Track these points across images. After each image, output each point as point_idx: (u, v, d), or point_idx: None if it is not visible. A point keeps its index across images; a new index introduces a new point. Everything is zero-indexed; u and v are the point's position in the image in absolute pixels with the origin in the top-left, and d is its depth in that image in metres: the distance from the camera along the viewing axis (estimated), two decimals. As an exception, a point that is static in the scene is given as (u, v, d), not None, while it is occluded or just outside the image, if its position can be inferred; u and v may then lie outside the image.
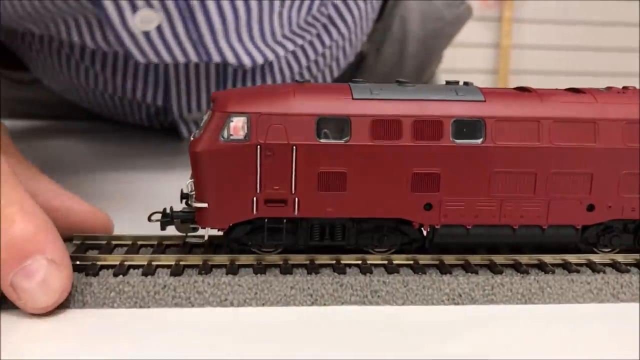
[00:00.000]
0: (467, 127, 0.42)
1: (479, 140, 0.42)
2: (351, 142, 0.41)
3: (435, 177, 0.42)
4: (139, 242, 0.47)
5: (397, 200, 0.42)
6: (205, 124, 0.42)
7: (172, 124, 0.86)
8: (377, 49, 0.97)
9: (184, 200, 0.45)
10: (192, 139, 0.42)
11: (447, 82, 0.44)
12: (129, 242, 0.47)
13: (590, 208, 0.43)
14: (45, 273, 0.38)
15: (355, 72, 0.95)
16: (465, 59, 3.16)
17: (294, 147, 0.41)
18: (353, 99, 0.42)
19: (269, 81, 0.77)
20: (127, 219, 0.51)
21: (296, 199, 0.42)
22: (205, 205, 0.41)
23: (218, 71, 0.77)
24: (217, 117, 0.41)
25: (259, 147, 0.41)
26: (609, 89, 0.45)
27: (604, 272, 0.44)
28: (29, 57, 0.85)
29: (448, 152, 0.42)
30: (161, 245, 0.47)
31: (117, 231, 0.49)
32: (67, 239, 0.43)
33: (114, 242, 0.47)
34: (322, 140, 0.41)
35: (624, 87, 0.46)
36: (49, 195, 0.46)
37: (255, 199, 0.41)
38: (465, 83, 0.45)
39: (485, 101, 0.42)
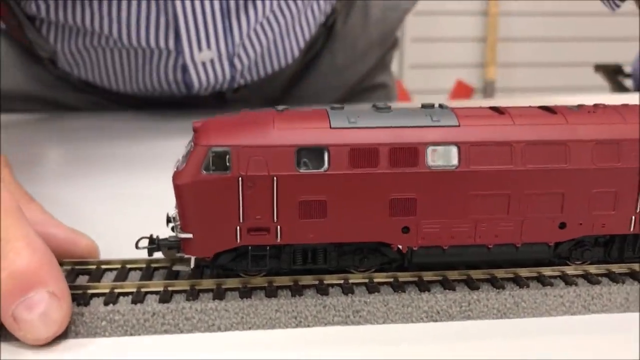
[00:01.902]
0: (442, 152, 0.43)
1: (454, 165, 0.43)
2: (330, 171, 0.42)
3: (412, 202, 0.43)
4: (128, 266, 0.48)
5: (376, 225, 0.44)
6: (188, 157, 0.43)
7: (183, 74, 0.90)
8: (346, 15, 1.04)
9: (169, 224, 0.46)
10: (175, 170, 0.43)
11: (423, 106, 0.46)
12: (118, 266, 0.48)
13: (562, 226, 0.45)
14: (47, 306, 0.40)
15: (327, 38, 1.03)
16: (453, 27, 3.18)
17: (275, 178, 0.42)
18: (331, 128, 0.43)
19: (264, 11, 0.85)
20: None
21: (278, 227, 0.43)
22: (190, 235, 0.43)
23: (222, 6, 0.84)
24: (199, 150, 0.42)
25: (240, 179, 0.42)
26: (580, 107, 0.47)
27: (576, 284, 0.46)
28: (47, 21, 0.88)
29: (424, 178, 0.43)
30: (149, 269, 0.48)
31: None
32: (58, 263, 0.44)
33: (103, 267, 0.48)
34: (302, 170, 0.42)
35: (595, 105, 0.47)
36: (33, 222, 0.47)
37: (238, 228, 0.43)
38: (440, 105, 0.46)
39: (459, 126, 0.44)
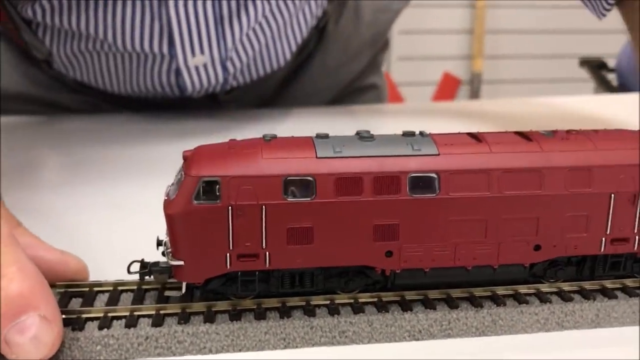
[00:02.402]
0: (423, 181, 0.45)
1: (434, 193, 0.45)
2: (316, 199, 0.44)
3: (395, 228, 0.45)
4: (120, 288, 0.50)
5: (360, 250, 0.46)
6: (179, 186, 0.44)
7: (177, 78, 0.93)
8: (337, 17, 1.07)
9: (159, 248, 0.48)
10: (165, 197, 0.45)
11: (404, 133, 0.47)
12: (110, 288, 0.50)
13: (537, 248, 0.48)
14: (38, 329, 0.41)
15: (319, 40, 1.06)
16: (441, 19, 3.20)
17: (264, 207, 0.44)
18: (317, 157, 0.45)
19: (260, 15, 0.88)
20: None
21: (267, 253, 0.45)
22: (181, 262, 0.44)
23: (215, 12, 0.87)
24: (189, 181, 0.44)
25: (230, 208, 0.44)
26: (554, 133, 0.49)
27: (550, 302, 0.49)
28: (44, 25, 0.90)
29: (406, 205, 0.45)
30: (141, 290, 0.50)
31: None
32: (50, 285, 0.46)
33: (95, 289, 0.50)
34: (290, 199, 0.44)
35: (568, 131, 0.49)
36: (22, 246, 0.48)
37: (228, 254, 0.45)
38: (421, 133, 0.48)
39: (439, 154, 0.46)
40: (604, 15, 0.80)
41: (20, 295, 0.41)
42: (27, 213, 0.53)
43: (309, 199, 0.44)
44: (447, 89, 3.29)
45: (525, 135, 0.49)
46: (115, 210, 0.69)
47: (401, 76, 3.16)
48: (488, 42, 3.21)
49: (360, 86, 1.16)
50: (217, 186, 0.43)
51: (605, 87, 2.78)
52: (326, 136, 0.47)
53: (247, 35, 0.90)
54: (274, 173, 0.44)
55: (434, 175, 0.45)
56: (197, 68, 0.91)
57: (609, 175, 0.47)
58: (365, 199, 0.45)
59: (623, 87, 2.34)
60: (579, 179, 0.47)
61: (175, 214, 0.44)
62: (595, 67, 2.83)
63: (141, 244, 0.50)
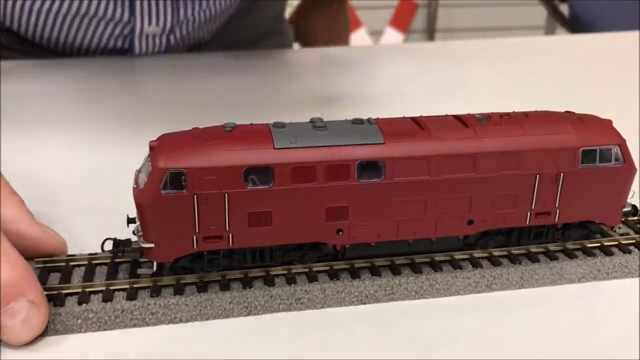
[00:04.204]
0: (370, 167, 0.50)
1: (380, 178, 0.50)
2: (275, 187, 0.49)
3: (345, 209, 0.51)
4: (94, 262, 0.54)
5: (314, 228, 0.51)
6: (147, 176, 0.48)
7: (130, 42, 1.01)
8: None
9: (129, 225, 0.52)
10: (135, 186, 0.49)
11: (353, 121, 0.52)
12: (86, 262, 0.54)
13: (470, 222, 0.54)
14: (27, 313, 0.46)
15: None
16: None
17: (226, 195, 0.48)
18: (274, 148, 0.49)
19: None
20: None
21: (230, 234, 0.50)
22: (152, 245, 0.49)
23: None
24: (156, 172, 0.47)
25: (195, 196, 0.48)
26: (488, 118, 0.54)
27: (481, 266, 0.55)
28: None
29: (354, 189, 0.50)
30: (114, 263, 0.54)
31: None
32: (28, 258, 0.50)
33: (71, 264, 0.54)
34: (250, 187, 0.48)
35: (501, 116, 0.54)
36: (8, 220, 0.52)
37: (195, 237, 0.49)
38: (369, 120, 0.52)
39: (384, 143, 0.50)
40: None
41: (9, 283, 0.46)
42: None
43: (267, 186, 0.49)
44: (404, 12, 3.29)
45: (462, 121, 0.53)
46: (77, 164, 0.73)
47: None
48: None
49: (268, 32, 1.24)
50: (183, 177, 0.47)
51: (556, 16, 2.83)
52: (282, 125, 0.51)
53: (197, 11, 0.99)
54: (235, 164, 0.48)
55: (379, 162, 0.50)
56: (147, 36, 1.00)
57: (535, 159, 0.53)
58: (318, 185, 0.49)
59: (574, 18, 2.39)
60: (508, 162, 0.52)
61: (145, 203, 0.48)
62: (548, -5, 2.85)
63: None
